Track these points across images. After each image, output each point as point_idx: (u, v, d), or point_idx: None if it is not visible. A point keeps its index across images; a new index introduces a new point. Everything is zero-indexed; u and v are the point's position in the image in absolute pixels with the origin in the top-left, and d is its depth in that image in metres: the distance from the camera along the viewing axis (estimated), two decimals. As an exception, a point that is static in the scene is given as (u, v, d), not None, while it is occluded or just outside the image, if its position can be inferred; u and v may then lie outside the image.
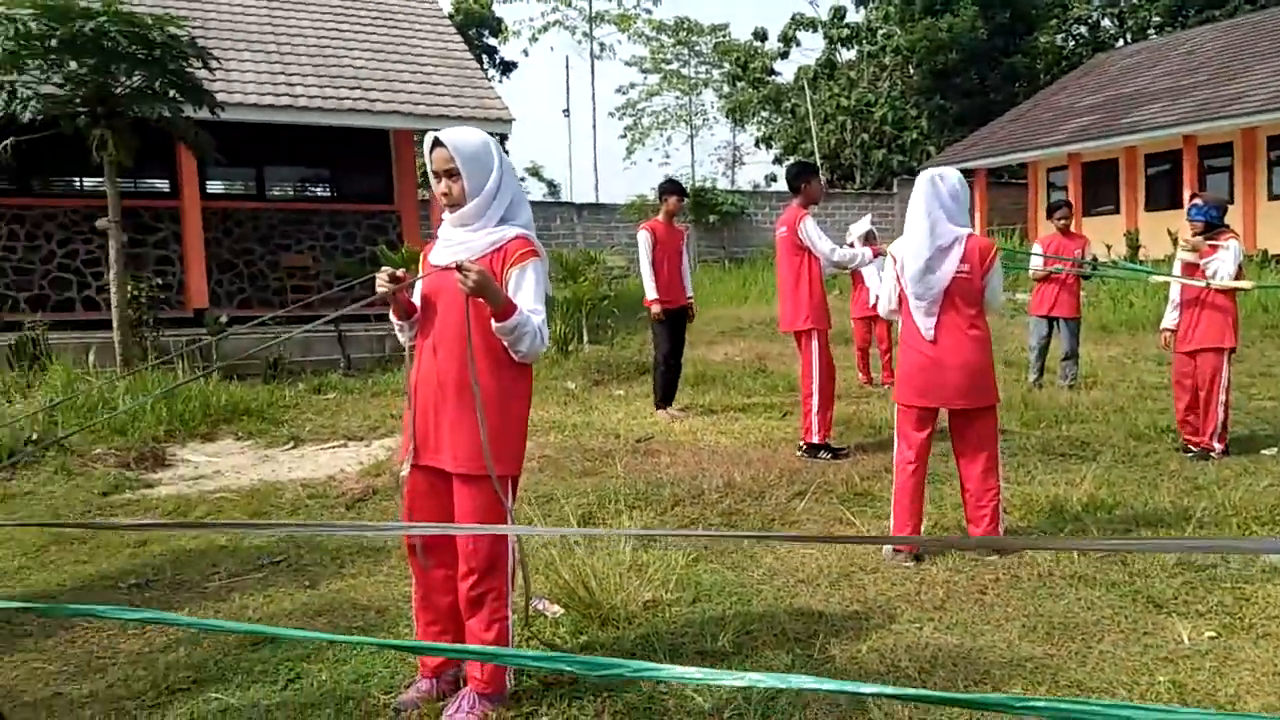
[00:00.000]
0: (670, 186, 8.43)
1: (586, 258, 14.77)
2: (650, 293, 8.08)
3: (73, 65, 8.73)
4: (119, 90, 9.03)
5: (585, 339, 12.04)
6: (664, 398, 8.23)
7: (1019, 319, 13.49)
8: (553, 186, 37.80)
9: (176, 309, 12.35)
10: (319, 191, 14.91)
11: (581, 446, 6.89)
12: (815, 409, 6.55)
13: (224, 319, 11.07)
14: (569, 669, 1.29)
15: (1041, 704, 1.08)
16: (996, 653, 3.45)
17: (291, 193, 14.73)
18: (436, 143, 2.98)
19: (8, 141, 8.80)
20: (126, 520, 5.38)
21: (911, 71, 30.22)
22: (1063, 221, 8.92)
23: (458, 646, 2.81)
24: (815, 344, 6.62)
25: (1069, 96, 23.36)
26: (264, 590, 4.25)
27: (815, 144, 27.40)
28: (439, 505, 3.01)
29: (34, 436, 6.90)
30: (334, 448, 7.46)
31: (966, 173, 23.46)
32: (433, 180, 3.03)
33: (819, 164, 25.17)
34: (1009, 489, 5.16)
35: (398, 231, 14.50)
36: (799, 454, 6.55)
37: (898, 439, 4.64)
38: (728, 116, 35.27)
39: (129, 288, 9.72)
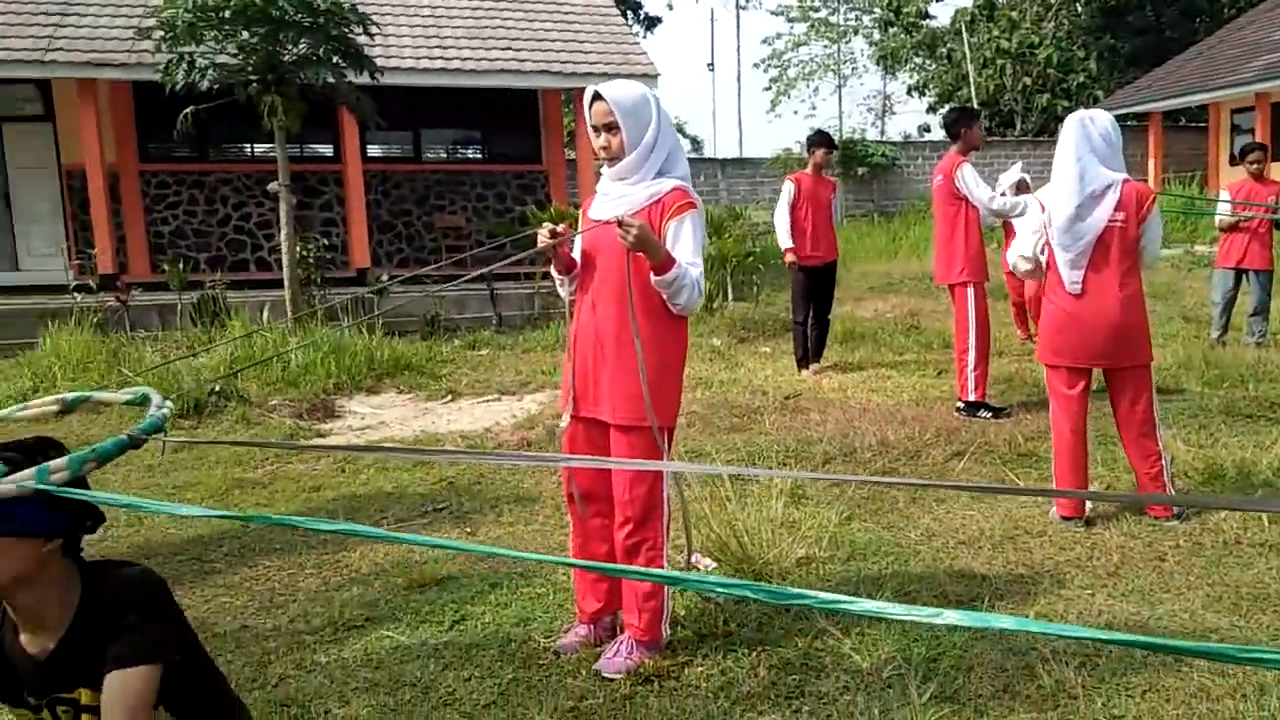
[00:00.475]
0: (818, 138, 8.21)
1: (731, 213, 14.61)
2: (784, 241, 7.91)
3: (244, 35, 9.18)
4: (287, 58, 9.45)
5: (730, 295, 11.96)
6: (805, 356, 8.07)
7: (1195, 272, 12.58)
8: (696, 142, 37.51)
9: (341, 268, 12.94)
10: (470, 153, 15.27)
11: (729, 403, 6.86)
12: (972, 365, 6.30)
13: (384, 277, 11.53)
14: (755, 597, 1.26)
15: (1270, 655, 0.99)
16: (1177, 622, 3.25)
17: (445, 155, 15.14)
18: (596, 97, 2.98)
19: (188, 110, 9.37)
20: (332, 443, 5.70)
21: (1079, 10, 28.33)
22: (1256, 165, 8.20)
23: (641, 569, 2.84)
24: (972, 296, 6.36)
25: (1257, 31, 21.38)
26: (428, 535, 4.42)
27: (973, 90, 26.16)
28: (598, 454, 3.05)
29: (217, 388, 7.39)
30: (488, 401, 7.69)
31: (1139, 117, 21.94)
32: (591, 135, 3.03)
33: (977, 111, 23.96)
34: (1189, 452, 4.83)
35: (545, 191, 14.73)
36: (957, 412, 6.33)
37: (1050, 397, 4.41)
38: (878, 64, 34.03)
39: (298, 248, 10.24)
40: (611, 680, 2.94)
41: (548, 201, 14.05)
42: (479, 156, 15.11)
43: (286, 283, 9.94)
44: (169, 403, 2.06)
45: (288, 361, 8.05)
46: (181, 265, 11.07)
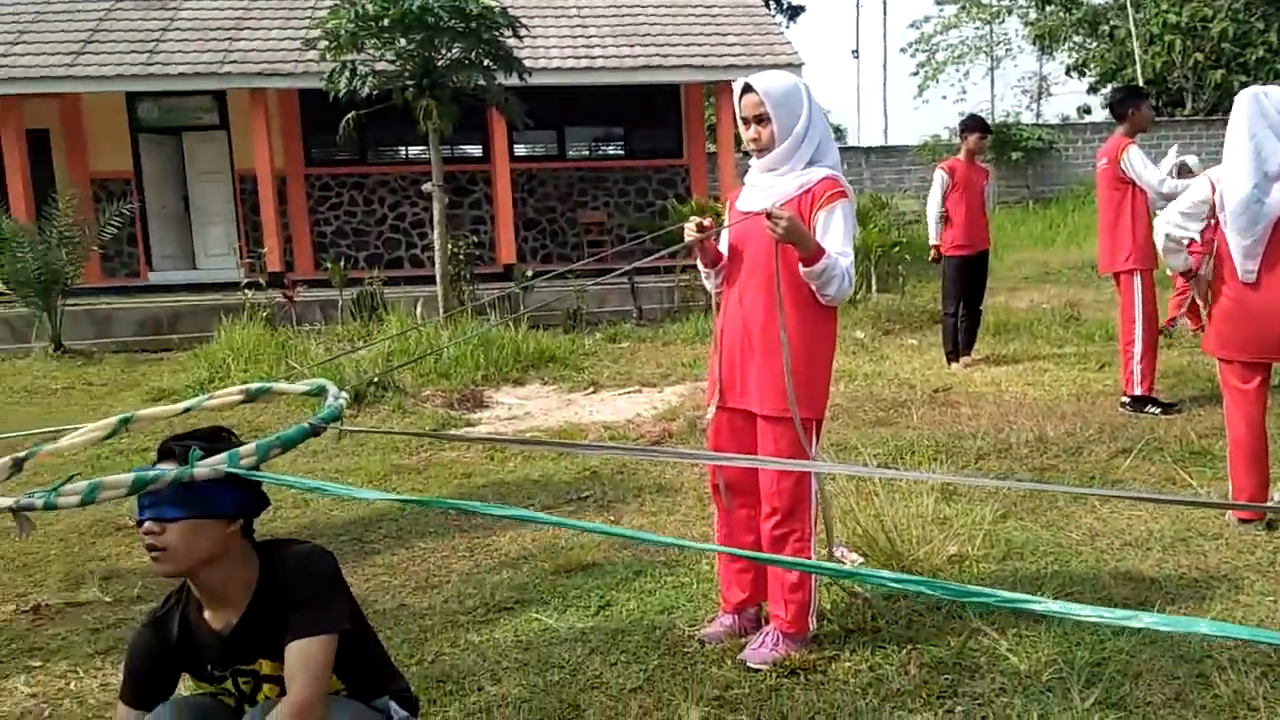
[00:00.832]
0: (972, 123, 7.92)
1: (876, 203, 14.29)
2: (933, 237, 7.73)
3: (402, 42, 9.58)
4: (441, 63, 9.81)
5: (874, 287, 11.70)
6: (954, 349, 7.81)
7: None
8: (839, 131, 36.81)
9: (489, 264, 13.34)
10: (612, 149, 15.46)
11: (874, 396, 6.71)
12: (1138, 357, 5.95)
13: (529, 273, 11.81)
14: (931, 592, 1.22)
15: None
16: (1377, 637, 2.98)
17: (587, 152, 15.39)
18: (746, 88, 2.96)
19: (349, 116, 9.83)
20: (482, 435, 5.91)
21: (1257, -22, 26.28)
22: None
23: (795, 560, 2.82)
24: (1138, 285, 6.00)
25: None
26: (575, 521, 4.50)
27: (1138, 68, 24.66)
28: (741, 447, 3.05)
29: (375, 379, 7.74)
30: (629, 393, 7.77)
31: (1329, 90, 20.20)
32: (740, 126, 3.02)
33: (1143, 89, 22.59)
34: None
35: (686, 185, 14.77)
36: (1122, 408, 5.99)
37: (1224, 392, 4.10)
38: (1034, 44, 32.48)
39: (449, 246, 10.61)
40: (757, 671, 2.92)
41: (688, 195, 14.09)
42: (620, 153, 15.29)
43: (438, 279, 10.32)
44: (344, 394, 2.17)
45: (440, 354, 8.36)
46: (342, 263, 11.65)
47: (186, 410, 2.32)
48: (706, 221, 2.99)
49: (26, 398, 8.37)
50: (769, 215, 2.76)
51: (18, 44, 12.40)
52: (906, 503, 3.94)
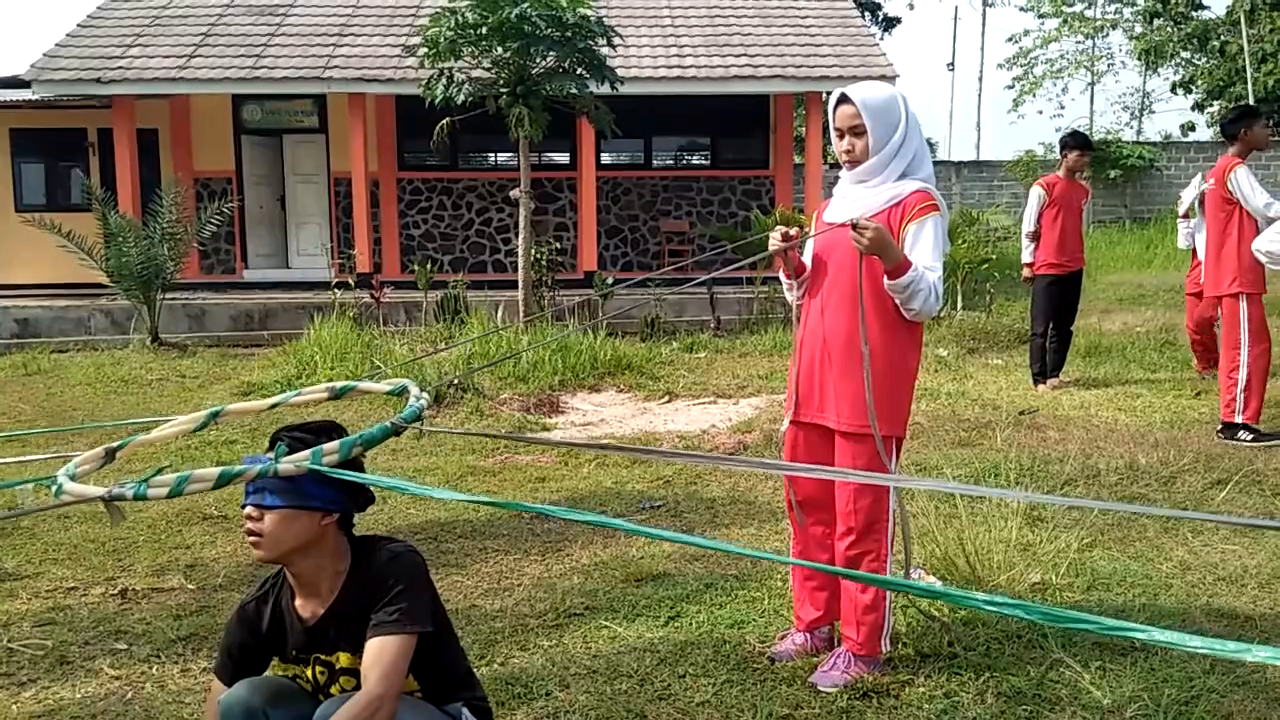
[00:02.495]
0: (1073, 139, 7.70)
1: (967, 218, 13.98)
2: (1025, 255, 7.56)
3: (499, 50, 9.73)
4: (535, 70, 9.93)
5: (959, 304, 11.44)
6: (1043, 370, 7.58)
7: None
8: (931, 145, 36.21)
9: (570, 271, 13.44)
10: (697, 159, 15.46)
11: (956, 416, 6.55)
12: (1242, 384, 5.69)
13: (609, 280, 11.86)
14: (1027, 617, 1.18)
15: None
16: None
17: (672, 161, 15.41)
18: (842, 99, 2.92)
19: (444, 122, 10.02)
20: (556, 438, 5.96)
21: (1382, -8, 25.02)
22: None
23: (877, 577, 2.77)
24: (1245, 309, 5.75)
25: None
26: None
27: (1249, 85, 23.69)
28: (819, 461, 2.99)
29: (455, 380, 7.86)
30: (705, 404, 7.74)
31: None
32: (835, 138, 2.97)
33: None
34: None
35: (771, 196, 14.67)
36: (1218, 436, 5.74)
37: None
38: (1139, 59, 31.47)
39: (532, 252, 10.73)
40: (828, 694, 2.86)
41: (772, 207, 14.00)
42: (705, 162, 15.27)
43: (520, 284, 10.44)
44: (425, 395, 2.21)
45: (519, 358, 8.45)
46: (428, 266, 11.87)
47: (273, 406, 2.39)
48: (792, 231, 2.95)
49: (123, 387, 8.71)
50: (854, 226, 2.71)
51: (133, 47, 12.97)
52: (988, 527, 3.83)
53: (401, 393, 2.31)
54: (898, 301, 2.84)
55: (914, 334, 2.96)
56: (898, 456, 2.99)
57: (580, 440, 5.94)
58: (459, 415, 7.17)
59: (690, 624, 3.39)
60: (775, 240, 2.92)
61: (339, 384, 2.47)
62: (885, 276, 2.79)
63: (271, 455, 1.99)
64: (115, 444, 2.14)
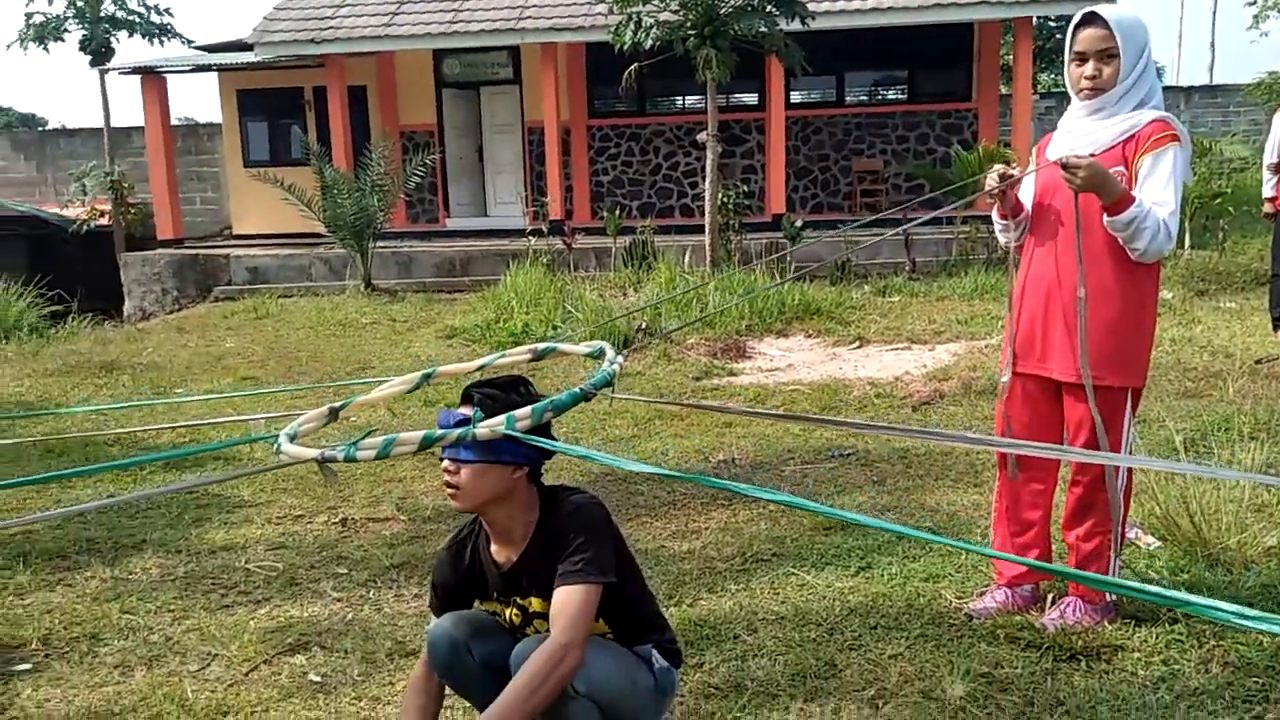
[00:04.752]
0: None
1: (1198, 148, 12.72)
2: (1267, 189, 6.80)
3: (687, -10, 9.60)
4: (724, 10, 9.75)
5: (1188, 243, 10.49)
6: (1288, 315, 6.85)
7: None
8: (1157, 69, 33.22)
9: (757, 214, 13.25)
10: (892, 94, 14.80)
11: (1181, 364, 6.04)
12: None
13: (799, 224, 11.61)
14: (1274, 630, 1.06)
15: None
16: None
17: (866, 97, 14.83)
18: (1088, 21, 2.68)
19: (632, 67, 10.03)
20: (735, 405, 5.96)
21: None
22: None
23: (1052, 566, 2.66)
24: None
25: None
26: (834, 480, 4.41)
27: None
28: (1036, 415, 2.85)
29: (644, 325, 7.95)
30: (898, 349, 7.48)
31: None
32: (1072, 64, 2.73)
33: None
34: None
35: (973, 130, 13.87)
36: None
37: None
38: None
39: (719, 195, 10.63)
40: (1032, 650, 2.73)
41: (974, 141, 13.23)
42: (902, 97, 14.60)
43: (707, 228, 10.38)
44: (620, 358, 2.26)
45: (705, 303, 8.44)
46: (616, 212, 12.00)
47: (480, 368, 2.50)
48: (1012, 169, 2.76)
49: (341, 330, 9.35)
50: (1064, 165, 2.51)
51: (342, 8, 13.66)
52: (1216, 484, 3.51)
53: (599, 355, 2.36)
54: (1121, 240, 2.62)
55: (1149, 276, 2.73)
56: (1134, 409, 2.78)
57: (766, 410, 5.85)
58: (646, 360, 7.25)
59: (882, 575, 3.31)
60: (992, 179, 2.74)
61: (540, 346, 2.56)
62: (1104, 214, 2.57)
63: (464, 409, 2.08)
64: (338, 404, 2.29)
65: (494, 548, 2.22)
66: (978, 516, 3.78)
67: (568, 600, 2.04)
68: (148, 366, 7.89)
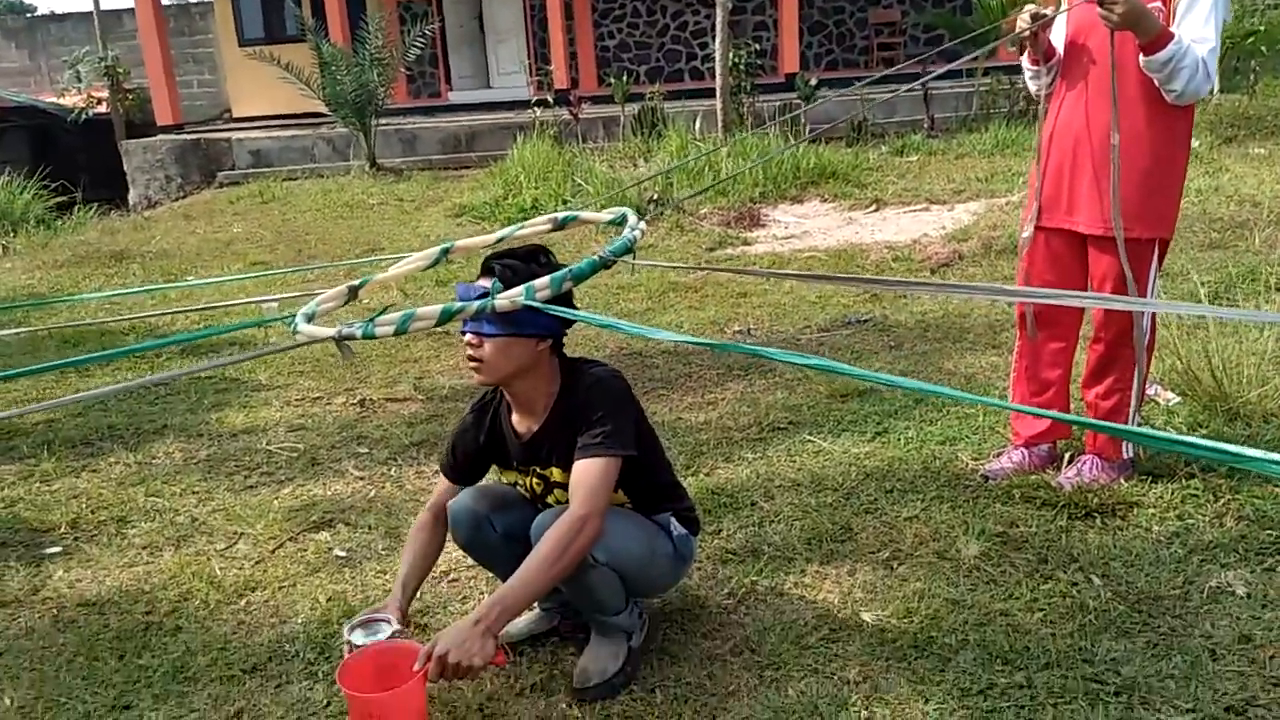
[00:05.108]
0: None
1: (1228, -14, 12.11)
2: None
3: None
4: None
5: (1217, 86, 10.09)
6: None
7: None
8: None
9: (770, 74, 12.84)
10: (909, -61, 14.10)
11: (1207, 215, 5.89)
12: None
13: (813, 82, 11.23)
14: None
15: None
16: None
17: (881, -57, 14.14)
18: None
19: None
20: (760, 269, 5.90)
21: None
22: None
23: (1072, 417, 2.63)
24: None
25: None
26: (851, 347, 4.38)
27: None
28: (1061, 272, 2.77)
29: (655, 196, 7.80)
30: (916, 211, 7.33)
31: None
32: None
33: None
34: None
35: (993, -25, 13.23)
36: None
37: None
38: None
39: (730, 56, 10.25)
40: (1047, 509, 2.74)
41: (998, -14, 12.63)
42: (918, -58, 13.92)
43: (719, 91, 10.05)
44: (642, 224, 2.19)
45: (718, 170, 8.24)
46: (624, 78, 11.64)
47: (500, 240, 2.44)
48: (1046, 9, 2.61)
49: (348, 212, 9.24)
50: (1100, 1, 2.36)
51: None
52: (1238, 337, 3.46)
53: (621, 222, 2.29)
54: (1157, 82, 2.49)
55: (1184, 121, 2.61)
56: (1160, 262, 2.70)
57: (792, 271, 5.76)
58: (659, 232, 7.14)
59: (898, 440, 3.31)
60: (1024, 20, 2.59)
61: (561, 215, 2.48)
62: (1140, 53, 2.43)
63: (484, 282, 2.04)
64: (356, 282, 2.25)
65: (515, 417, 2.22)
66: (995, 378, 3.75)
67: (586, 472, 2.04)
68: (157, 255, 7.86)
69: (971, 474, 3.02)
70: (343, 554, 2.92)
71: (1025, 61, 2.78)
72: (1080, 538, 2.61)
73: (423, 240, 7.61)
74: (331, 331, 1.89)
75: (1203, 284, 4.39)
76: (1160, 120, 2.56)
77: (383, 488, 3.37)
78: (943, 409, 3.52)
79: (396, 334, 1.87)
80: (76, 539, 3.11)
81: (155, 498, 3.38)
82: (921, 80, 10.25)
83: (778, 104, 10.87)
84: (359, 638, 2.09)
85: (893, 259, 5.84)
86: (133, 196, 12.49)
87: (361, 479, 3.44)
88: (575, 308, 2.07)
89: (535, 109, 11.10)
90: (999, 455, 3.05)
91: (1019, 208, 6.83)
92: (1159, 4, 2.48)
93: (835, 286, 5.25)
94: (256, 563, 2.90)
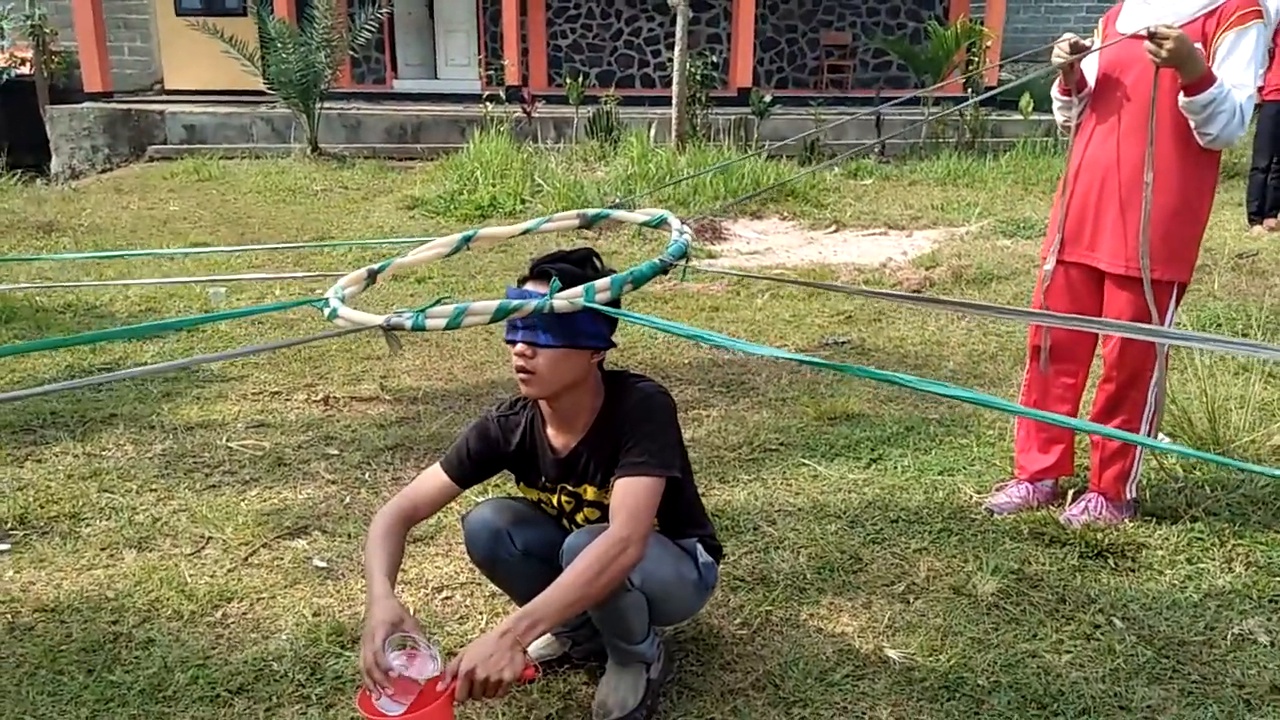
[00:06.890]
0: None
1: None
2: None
3: None
4: None
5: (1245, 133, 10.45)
6: (1260, 209, 6.89)
7: None
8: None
9: (722, 88, 12.85)
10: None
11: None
12: None
13: (767, 99, 11.27)
14: None
15: None
16: None
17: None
18: None
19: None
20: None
21: None
22: None
23: (1083, 423, 2.59)
24: None
25: None
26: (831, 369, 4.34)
27: None
28: (1076, 307, 2.74)
29: (617, 200, 7.68)
30: (875, 235, 7.38)
31: None
32: None
33: None
34: None
35: (945, 5, 13.50)
36: None
37: None
38: None
39: (687, 65, 10.20)
40: (1057, 546, 2.72)
41: (947, 17, 12.89)
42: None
43: (675, 100, 9.99)
44: (687, 227, 2.08)
45: (678, 180, 8.17)
46: (579, 79, 11.49)
47: (525, 232, 2.31)
48: (1085, 40, 2.59)
49: (291, 197, 8.88)
50: (1152, 35, 2.34)
51: None
52: (1225, 384, 3.52)
53: (659, 224, 2.18)
54: (1193, 124, 2.48)
55: (1212, 165, 2.62)
56: (1178, 304, 2.70)
57: (843, 284, 5.68)
58: (620, 240, 7.04)
59: (894, 468, 3.27)
60: (1061, 50, 2.57)
61: (590, 211, 2.36)
62: (1182, 93, 2.43)
63: (533, 287, 1.92)
64: (375, 266, 2.09)
65: (550, 431, 2.08)
66: (980, 411, 3.74)
67: (630, 492, 1.91)
68: (89, 229, 7.43)
69: (975, 506, 2.99)
70: (323, 564, 2.74)
71: (1055, 91, 2.77)
72: (1094, 578, 2.59)
73: (375, 231, 7.36)
74: (379, 319, 1.76)
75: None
76: (1191, 162, 2.56)
77: (358, 493, 3.19)
78: (935, 438, 3.49)
79: (448, 328, 1.74)
80: (27, 535, 2.86)
81: (109, 494, 3.14)
82: (875, 109, 10.38)
83: (732, 119, 10.85)
84: (399, 664, 1.85)
85: (864, 280, 5.85)
86: (55, 165, 11.84)
87: (334, 483, 3.25)
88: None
89: (486, 104, 10.88)
90: (1001, 488, 3.03)
91: (977, 238, 6.93)
92: (1200, 45, 2.48)
93: (809, 306, 5.22)
94: (229, 570, 2.70)
